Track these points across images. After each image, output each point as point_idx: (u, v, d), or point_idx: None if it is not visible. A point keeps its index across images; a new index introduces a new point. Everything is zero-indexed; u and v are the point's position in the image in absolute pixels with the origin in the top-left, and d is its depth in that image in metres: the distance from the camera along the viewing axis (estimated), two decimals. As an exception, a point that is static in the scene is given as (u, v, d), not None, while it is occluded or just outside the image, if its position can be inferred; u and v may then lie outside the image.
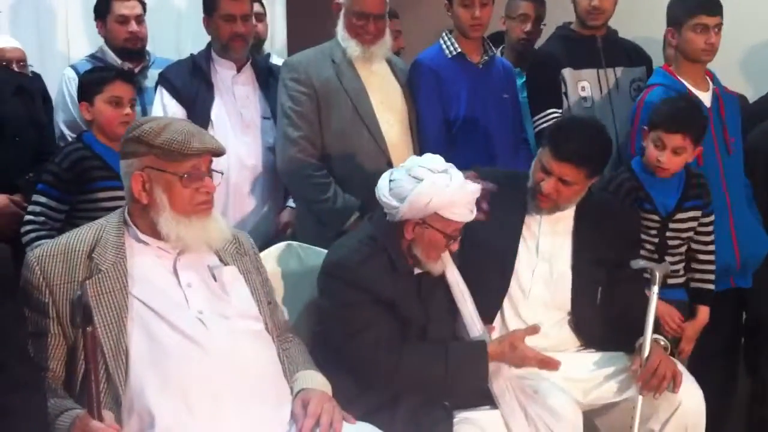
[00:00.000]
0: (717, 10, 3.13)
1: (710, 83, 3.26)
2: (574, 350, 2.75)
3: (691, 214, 2.96)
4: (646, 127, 2.91)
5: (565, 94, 3.40)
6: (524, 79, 3.65)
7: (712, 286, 3.03)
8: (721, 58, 3.25)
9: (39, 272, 2.02)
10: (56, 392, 1.96)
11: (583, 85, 3.42)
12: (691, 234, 2.99)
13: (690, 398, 2.56)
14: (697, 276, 3.05)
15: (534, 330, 2.44)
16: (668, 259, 2.93)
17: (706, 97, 3.22)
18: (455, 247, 2.45)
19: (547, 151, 2.59)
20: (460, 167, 2.60)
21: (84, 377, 1.93)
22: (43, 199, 2.88)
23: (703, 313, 3.01)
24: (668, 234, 2.95)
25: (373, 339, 2.36)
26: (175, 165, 2.08)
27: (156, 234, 2.11)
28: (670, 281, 2.96)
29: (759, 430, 3.43)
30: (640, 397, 2.53)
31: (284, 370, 2.20)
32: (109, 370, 1.95)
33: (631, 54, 3.55)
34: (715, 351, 3.25)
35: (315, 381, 2.20)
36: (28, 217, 2.90)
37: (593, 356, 2.72)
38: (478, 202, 2.46)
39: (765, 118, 3.42)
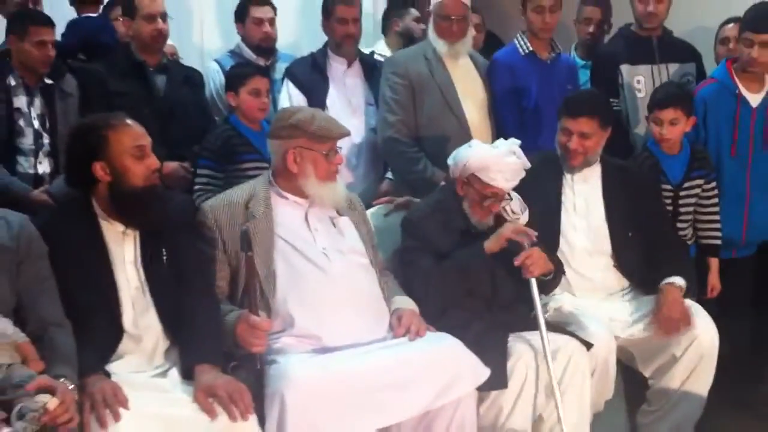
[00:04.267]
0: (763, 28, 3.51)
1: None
2: (620, 293, 3.34)
3: (696, 182, 3.53)
4: (647, 114, 3.49)
5: (622, 86, 3.93)
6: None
7: (719, 242, 3.54)
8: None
9: (211, 217, 2.77)
10: (223, 301, 2.72)
11: (638, 78, 3.94)
12: (696, 200, 3.54)
13: (705, 332, 3.16)
14: (704, 234, 3.58)
15: None
16: (678, 225, 3.50)
17: (756, 98, 3.71)
18: (495, 207, 3.04)
19: (563, 117, 3.25)
20: (530, 148, 3.19)
21: (245, 290, 2.66)
22: (206, 171, 3.52)
23: (714, 263, 3.50)
24: (679, 202, 3.51)
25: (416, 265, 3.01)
26: (320, 145, 2.79)
27: (294, 192, 2.83)
28: None
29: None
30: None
31: (384, 295, 2.89)
32: (263, 287, 2.67)
33: (683, 52, 4.05)
34: (740, 307, 3.71)
35: (406, 303, 2.90)
36: (197, 186, 3.51)
37: (633, 301, 3.32)
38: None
39: None
